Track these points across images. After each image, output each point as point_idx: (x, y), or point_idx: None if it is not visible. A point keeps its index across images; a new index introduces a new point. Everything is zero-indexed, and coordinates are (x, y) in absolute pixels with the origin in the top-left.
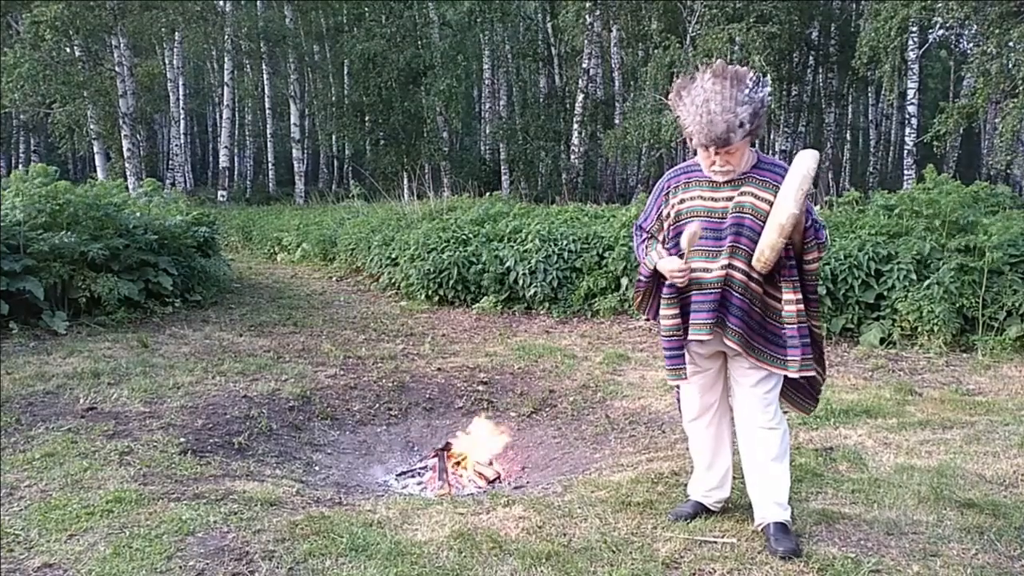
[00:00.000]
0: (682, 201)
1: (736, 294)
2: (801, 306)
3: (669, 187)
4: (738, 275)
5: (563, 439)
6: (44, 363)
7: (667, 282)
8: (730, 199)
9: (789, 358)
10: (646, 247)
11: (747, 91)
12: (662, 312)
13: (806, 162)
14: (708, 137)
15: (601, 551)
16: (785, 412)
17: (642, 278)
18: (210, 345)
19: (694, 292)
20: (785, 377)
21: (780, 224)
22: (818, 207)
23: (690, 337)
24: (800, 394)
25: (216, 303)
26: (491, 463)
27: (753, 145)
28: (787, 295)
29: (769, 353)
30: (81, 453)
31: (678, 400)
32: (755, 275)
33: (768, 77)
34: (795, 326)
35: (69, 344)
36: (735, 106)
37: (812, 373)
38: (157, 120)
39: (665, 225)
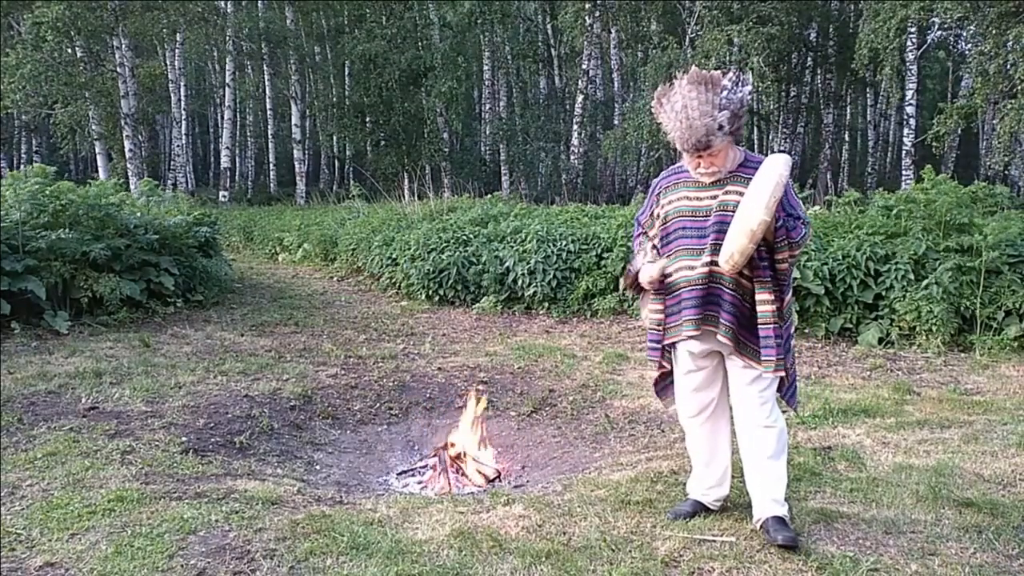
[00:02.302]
0: (670, 202)
1: (728, 290)
2: (775, 307)
3: (660, 188)
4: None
5: (563, 438)
6: (46, 363)
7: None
8: (715, 197)
9: (764, 358)
10: (639, 243)
11: (724, 94)
12: (650, 307)
13: (778, 168)
14: (689, 143)
15: (601, 550)
16: (784, 412)
17: (630, 270)
18: (212, 345)
19: (683, 289)
20: None
21: (751, 230)
22: (817, 207)
23: (684, 334)
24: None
25: (217, 303)
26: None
27: (739, 144)
28: (761, 295)
29: (753, 348)
30: (83, 452)
31: (655, 386)
32: (745, 271)
33: (749, 76)
34: (770, 326)
35: (71, 344)
36: (712, 110)
37: (783, 373)
38: (159, 121)
39: (656, 224)
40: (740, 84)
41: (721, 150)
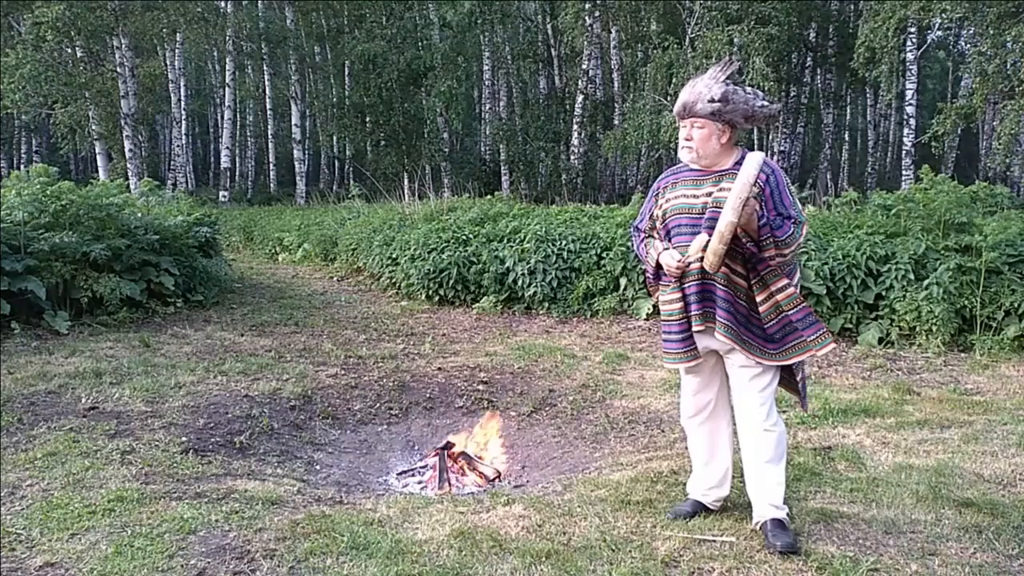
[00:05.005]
0: (668, 200)
1: (720, 286)
2: (792, 289)
3: (659, 188)
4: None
5: (563, 438)
6: (46, 363)
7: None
8: (709, 194)
9: (813, 336)
10: (646, 245)
11: (732, 82)
12: (663, 298)
13: (748, 169)
14: (679, 102)
15: (601, 550)
16: (783, 412)
17: (649, 274)
18: (212, 345)
19: (685, 285)
20: (781, 368)
21: (720, 231)
22: (817, 207)
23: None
24: (792, 379)
25: (217, 303)
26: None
27: (736, 144)
28: (776, 284)
29: (758, 346)
30: (83, 452)
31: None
32: (738, 268)
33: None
34: (796, 309)
35: (71, 344)
36: (713, 84)
37: (803, 358)
38: (159, 121)
39: (657, 224)
40: (752, 95)
41: (704, 125)
